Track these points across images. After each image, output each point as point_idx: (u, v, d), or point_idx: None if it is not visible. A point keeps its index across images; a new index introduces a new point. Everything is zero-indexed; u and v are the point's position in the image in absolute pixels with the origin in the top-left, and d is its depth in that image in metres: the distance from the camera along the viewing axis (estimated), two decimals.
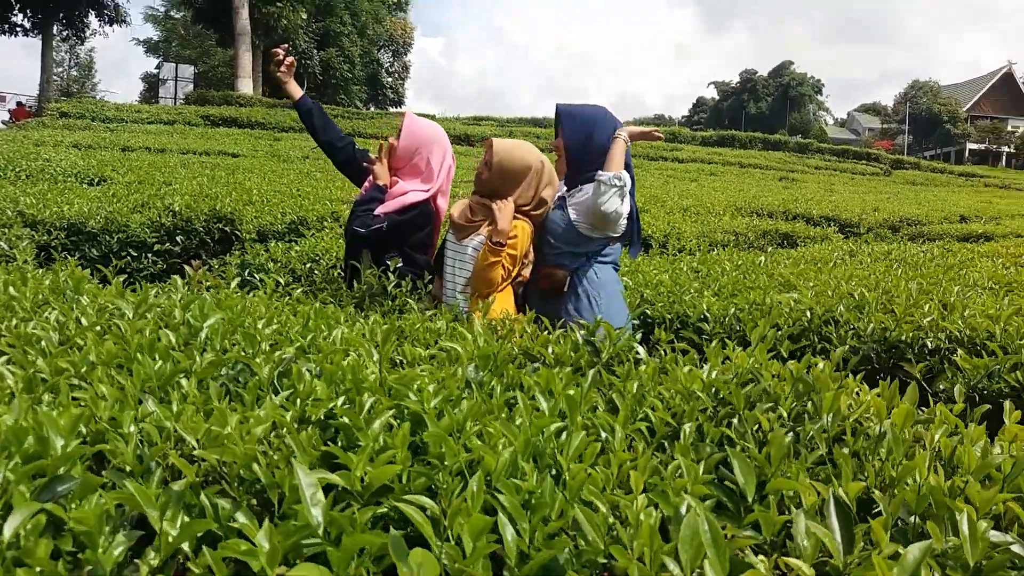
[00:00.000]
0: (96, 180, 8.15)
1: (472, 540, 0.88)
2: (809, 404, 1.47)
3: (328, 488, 1.12)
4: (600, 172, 2.99)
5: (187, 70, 39.40)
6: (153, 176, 8.28)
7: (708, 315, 2.92)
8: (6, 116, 33.34)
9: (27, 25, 33.81)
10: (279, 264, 4.32)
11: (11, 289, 2.12)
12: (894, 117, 73.14)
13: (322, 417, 1.31)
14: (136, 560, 0.97)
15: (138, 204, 5.74)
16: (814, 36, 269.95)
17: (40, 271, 2.68)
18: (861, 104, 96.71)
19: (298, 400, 1.39)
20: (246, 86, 30.93)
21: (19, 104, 35.25)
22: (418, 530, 1.08)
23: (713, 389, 1.49)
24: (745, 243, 7.35)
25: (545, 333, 2.03)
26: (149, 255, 5.16)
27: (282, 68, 3.50)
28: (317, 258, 4.49)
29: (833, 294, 3.10)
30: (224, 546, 0.94)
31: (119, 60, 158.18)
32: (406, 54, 56.41)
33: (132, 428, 1.23)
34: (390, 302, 2.74)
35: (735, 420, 1.32)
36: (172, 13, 53.08)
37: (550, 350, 1.86)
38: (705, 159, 25.85)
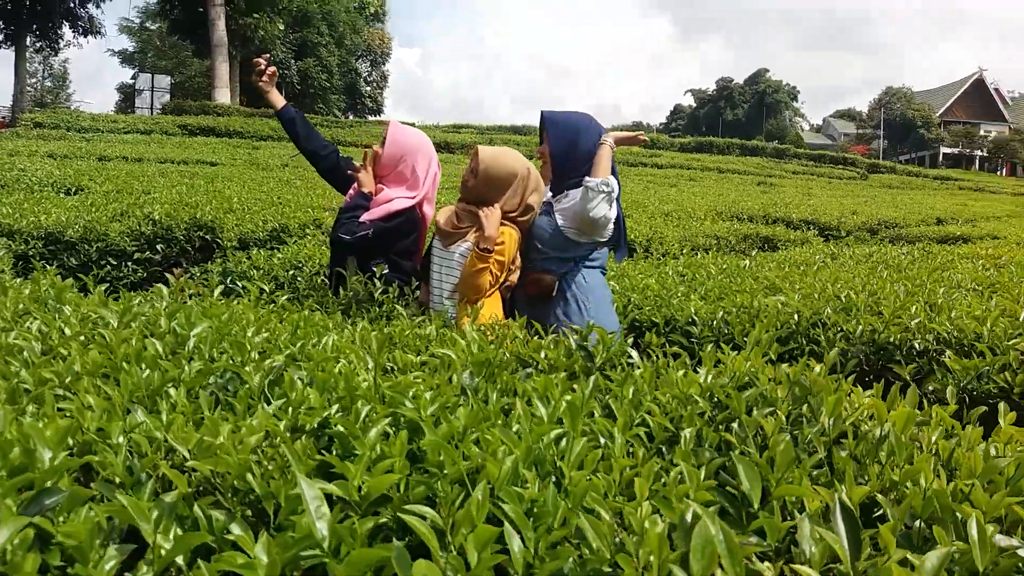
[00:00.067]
0: (73, 189, 8.06)
1: (477, 551, 0.86)
2: (805, 407, 1.46)
3: (329, 499, 1.09)
4: (587, 178, 2.98)
5: (163, 80, 39.11)
6: (131, 185, 8.21)
7: (696, 318, 2.92)
8: None
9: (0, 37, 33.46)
10: (262, 272, 4.28)
11: None
12: (869, 123, 73.90)
13: (316, 426, 1.29)
14: (127, 574, 0.94)
15: (117, 213, 5.68)
16: (789, 44, 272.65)
17: (19, 281, 2.64)
18: (836, 110, 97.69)
19: (290, 409, 1.36)
20: (223, 96, 30.75)
21: None
22: (417, 539, 1.06)
23: (710, 393, 1.47)
24: (727, 247, 7.38)
25: (536, 338, 2.01)
26: (129, 264, 5.11)
27: (264, 78, 3.47)
28: (300, 265, 4.46)
29: (819, 297, 3.11)
30: (220, 559, 0.91)
31: (93, 71, 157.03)
32: (384, 64, 56.35)
33: (121, 439, 1.20)
34: (377, 309, 2.72)
35: (735, 425, 1.31)
36: (147, 24, 52.69)
37: (543, 355, 1.84)
38: (684, 165, 25.99)
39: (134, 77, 46.86)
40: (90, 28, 35.71)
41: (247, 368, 1.53)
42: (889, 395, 1.29)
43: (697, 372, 1.69)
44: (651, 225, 7.43)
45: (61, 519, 0.99)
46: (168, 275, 2.76)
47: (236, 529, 1.00)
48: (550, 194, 3.30)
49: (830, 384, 1.39)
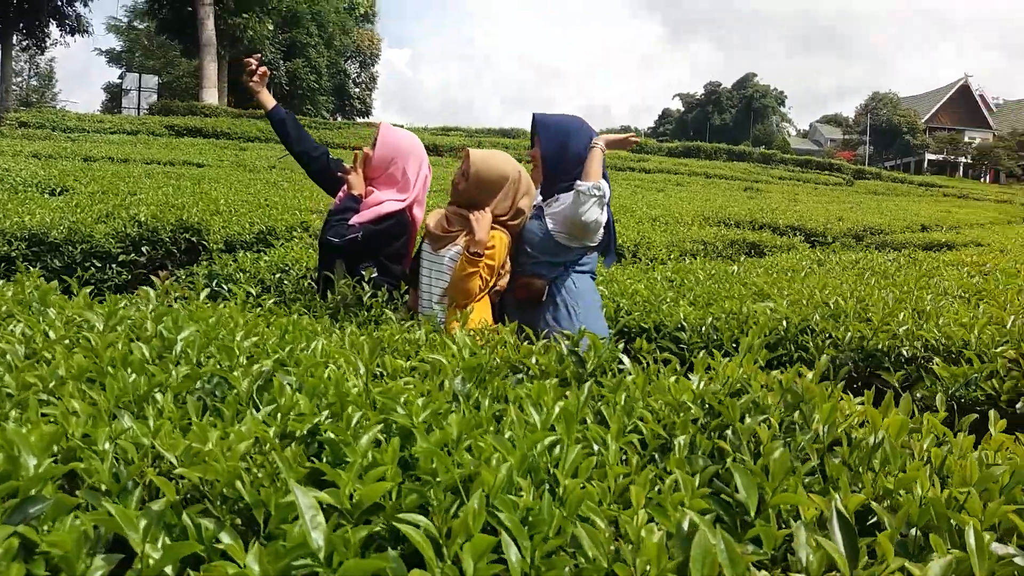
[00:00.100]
0: (58, 190, 7.99)
1: (474, 561, 0.85)
2: (797, 414, 1.46)
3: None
4: (579, 182, 2.97)
5: (151, 80, 38.82)
6: (117, 186, 8.14)
7: (685, 324, 2.92)
8: None
9: None
10: (248, 274, 4.25)
11: None
12: (855, 128, 74.32)
13: (306, 432, 1.27)
14: None
15: (102, 214, 5.63)
16: (777, 49, 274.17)
17: (1, 283, 2.60)
18: (823, 115, 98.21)
19: (279, 415, 1.35)
20: (211, 96, 30.61)
21: None
22: (410, 548, 1.04)
23: (702, 400, 1.47)
24: (714, 252, 7.39)
25: (526, 344, 2.00)
26: (114, 266, 5.05)
27: (254, 77, 3.45)
28: (287, 268, 4.43)
29: (807, 303, 3.11)
30: (210, 569, 0.89)
31: (80, 70, 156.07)
32: (373, 65, 56.23)
33: (107, 445, 1.18)
34: (365, 313, 2.70)
35: (728, 432, 1.30)
36: (135, 23, 52.35)
37: (534, 360, 1.83)
38: (671, 170, 26.07)
39: (121, 77, 46.52)
40: (77, 27, 35.43)
41: (235, 373, 1.51)
42: (883, 403, 1.28)
43: (688, 378, 1.69)
44: (639, 230, 7.44)
45: (46, 528, 0.97)
46: (153, 277, 2.72)
47: (226, 538, 0.99)
48: (540, 198, 3.29)
49: (823, 391, 1.38)
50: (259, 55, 3.78)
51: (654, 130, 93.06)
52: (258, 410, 1.41)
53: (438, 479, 1.08)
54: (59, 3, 34.43)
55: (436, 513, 1.03)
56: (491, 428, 1.32)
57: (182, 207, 6.10)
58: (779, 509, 1.12)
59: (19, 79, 61.11)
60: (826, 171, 35.57)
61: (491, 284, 3.03)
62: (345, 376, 1.54)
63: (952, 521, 1.03)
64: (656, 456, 1.34)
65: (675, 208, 10.95)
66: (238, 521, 1.07)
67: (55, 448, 1.16)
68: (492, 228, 3.01)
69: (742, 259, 5.86)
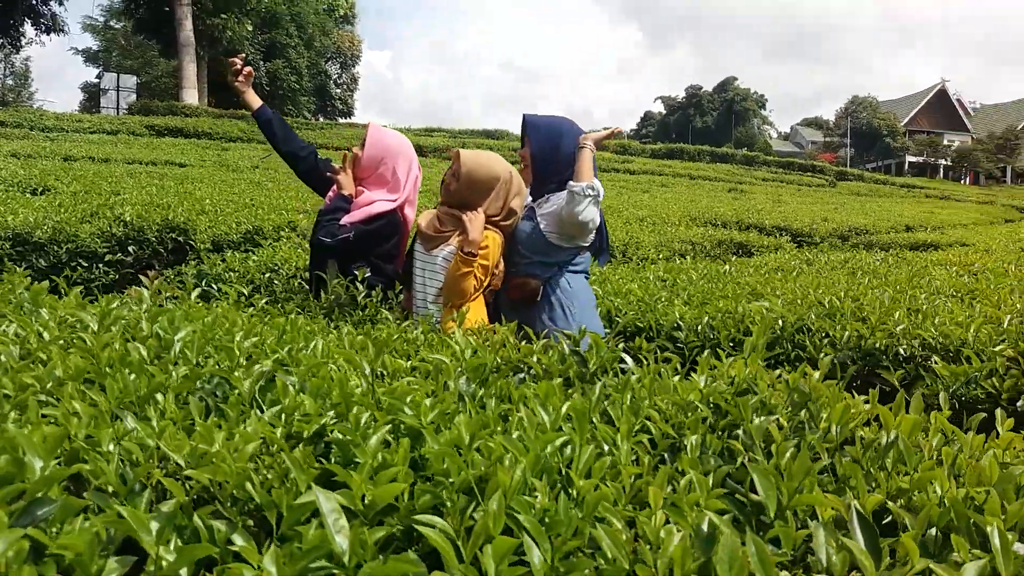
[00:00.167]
0: (40, 189, 7.90)
1: (495, 563, 0.83)
2: (804, 413, 1.45)
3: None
4: (572, 183, 2.96)
5: (129, 80, 38.50)
6: (99, 186, 8.06)
7: (681, 323, 2.91)
8: None
9: None
10: (237, 274, 4.21)
11: None
12: (836, 131, 74.85)
13: (312, 433, 1.25)
14: None
15: (87, 214, 5.57)
16: (756, 54, 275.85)
17: None
18: (804, 118, 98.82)
19: (283, 415, 1.33)
20: (191, 97, 30.40)
21: None
22: (423, 549, 1.03)
23: (709, 400, 1.46)
24: (702, 252, 7.41)
25: (527, 344, 1.99)
26: (100, 265, 5.00)
27: (239, 78, 3.41)
28: (276, 268, 4.40)
29: (802, 303, 3.12)
30: (227, 571, 0.88)
31: (56, 69, 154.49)
32: (354, 66, 56.06)
33: (111, 447, 1.16)
34: (360, 312, 2.67)
35: (739, 432, 1.29)
36: (112, 23, 51.91)
37: (536, 360, 1.81)
38: (656, 171, 26.15)
39: (99, 76, 46.10)
40: (53, 26, 34.94)
41: (236, 373, 1.49)
42: (895, 402, 1.28)
43: (691, 378, 1.68)
44: (627, 230, 7.44)
45: (54, 530, 0.95)
46: (142, 277, 2.69)
47: (239, 540, 0.97)
48: (530, 199, 3.28)
49: (833, 390, 1.38)
50: (243, 55, 3.74)
51: (637, 132, 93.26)
52: (261, 411, 1.39)
53: (451, 480, 1.07)
54: (34, 2, 33.98)
55: (450, 514, 1.02)
56: (498, 428, 1.31)
57: (167, 207, 6.05)
58: (795, 510, 1.12)
59: None
60: (809, 172, 35.82)
61: (485, 284, 3.01)
62: (347, 376, 1.52)
63: (971, 521, 1.02)
64: (665, 456, 1.33)
65: (661, 209, 10.98)
66: (250, 522, 1.05)
67: (58, 450, 1.13)
68: (485, 228, 3.00)
69: (732, 259, 5.87)
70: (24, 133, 18.87)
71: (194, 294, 2.48)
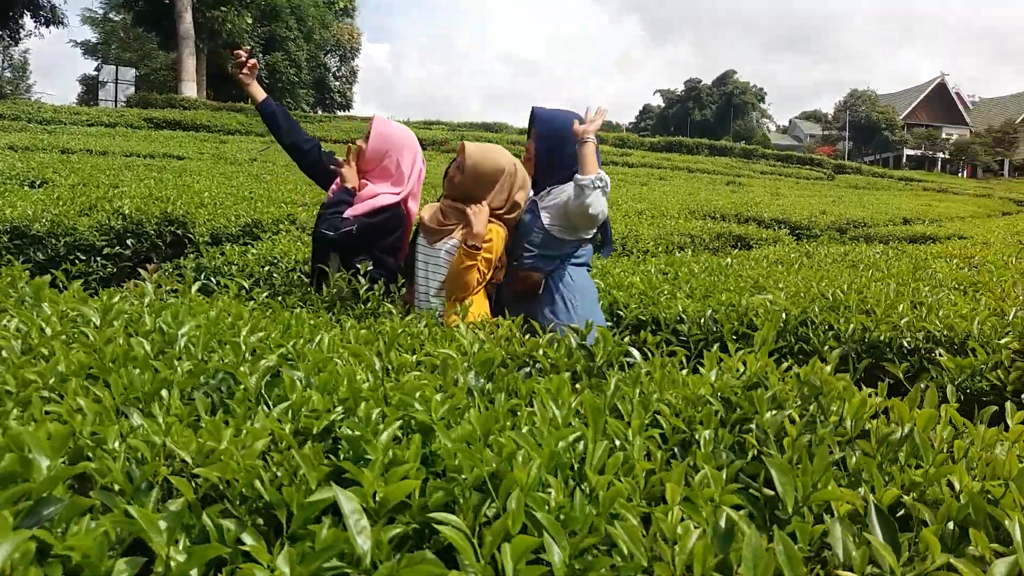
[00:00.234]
0: (37, 182, 7.87)
1: (513, 562, 0.82)
2: (813, 407, 1.44)
3: (335, 507, 1.05)
4: (578, 176, 2.94)
5: (128, 73, 38.31)
6: (97, 178, 8.03)
7: (684, 316, 2.90)
8: None
9: None
10: (237, 267, 4.19)
11: None
12: (835, 124, 74.75)
13: (322, 429, 1.24)
14: None
15: (85, 207, 5.55)
16: (755, 48, 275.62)
17: None
18: (802, 111, 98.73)
19: (290, 411, 1.31)
20: (190, 90, 30.31)
21: None
22: (435, 546, 1.02)
23: (720, 394, 1.45)
24: (701, 245, 7.40)
25: (534, 338, 1.97)
26: (98, 259, 4.98)
27: (244, 70, 3.38)
28: (275, 261, 4.37)
29: (805, 295, 3.10)
30: (239, 572, 0.86)
31: (54, 62, 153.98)
32: (353, 59, 55.87)
33: (117, 444, 1.14)
34: (362, 306, 2.66)
35: (752, 426, 1.28)
36: (111, 15, 51.67)
37: (542, 354, 1.80)
38: (654, 164, 26.11)
39: (98, 69, 45.82)
40: (52, 18, 34.80)
41: (242, 368, 1.47)
42: (909, 395, 1.27)
43: (698, 371, 1.67)
44: (626, 223, 7.43)
45: (59, 530, 0.93)
46: (142, 270, 2.67)
47: (248, 539, 0.96)
48: (531, 192, 3.27)
49: (848, 384, 1.36)
50: (248, 47, 3.71)
51: (635, 125, 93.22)
52: (268, 407, 1.38)
53: (464, 477, 1.06)
54: None
55: (463, 511, 1.01)
56: (507, 424, 1.29)
57: (166, 200, 6.02)
58: (810, 504, 1.11)
59: None
60: (807, 166, 35.77)
61: (488, 277, 3.00)
62: (355, 371, 1.50)
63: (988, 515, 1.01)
64: (676, 451, 1.32)
65: (660, 202, 10.96)
66: (259, 521, 1.03)
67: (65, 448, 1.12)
68: (489, 221, 2.98)
69: (733, 252, 5.86)
70: (22, 125, 18.82)
71: (194, 288, 2.46)
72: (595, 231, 3.26)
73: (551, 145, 3.17)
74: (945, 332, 2.48)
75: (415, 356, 1.80)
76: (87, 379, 1.48)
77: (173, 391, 1.38)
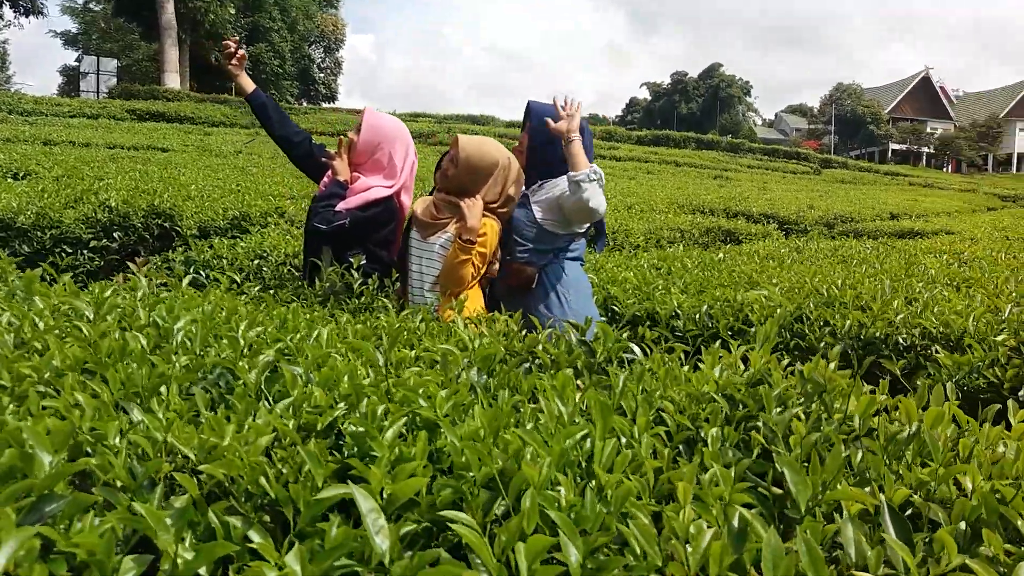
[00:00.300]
0: (20, 174, 7.78)
1: (528, 562, 0.81)
2: (816, 404, 1.43)
3: (341, 504, 1.03)
4: (572, 173, 2.93)
5: (109, 63, 37.95)
6: (81, 171, 7.95)
7: (679, 312, 2.90)
8: None
9: None
10: (226, 261, 4.16)
11: None
12: (820, 118, 74.99)
13: (325, 426, 1.22)
14: None
15: (71, 199, 5.48)
16: (742, 40, 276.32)
17: None
18: (788, 105, 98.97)
19: (291, 407, 1.30)
20: (173, 81, 30.08)
21: None
22: (444, 544, 1.00)
23: (725, 391, 1.44)
24: (690, 240, 7.41)
25: (532, 333, 1.96)
26: (85, 252, 4.93)
27: (233, 61, 3.35)
28: (265, 255, 4.35)
29: (800, 291, 3.11)
30: (248, 570, 0.85)
31: (34, 52, 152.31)
32: (338, 50, 55.56)
33: (117, 440, 1.12)
34: (356, 301, 2.64)
35: (758, 423, 1.27)
36: (91, 5, 51.13)
37: (541, 348, 1.79)
38: (642, 158, 26.14)
39: (78, 59, 45.38)
40: (32, 7, 34.37)
41: (241, 363, 1.46)
42: (918, 393, 1.26)
43: (697, 368, 1.66)
44: (615, 217, 7.43)
45: (62, 527, 0.92)
46: (130, 264, 2.64)
47: (255, 536, 0.95)
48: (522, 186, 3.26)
49: (858, 384, 1.36)
50: (237, 38, 3.67)
51: (622, 119, 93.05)
52: (268, 402, 1.36)
53: (472, 474, 1.04)
54: None
55: (472, 509, 1.00)
56: (511, 420, 1.28)
57: (153, 192, 5.97)
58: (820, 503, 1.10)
59: None
60: (794, 160, 35.94)
61: (483, 271, 2.99)
62: (355, 366, 1.49)
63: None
64: (681, 448, 1.31)
65: (648, 196, 10.97)
66: (266, 518, 1.02)
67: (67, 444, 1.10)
68: (483, 215, 2.96)
69: (725, 247, 5.87)
70: (3, 117, 18.60)
71: (185, 281, 2.44)
72: (588, 225, 3.25)
73: (545, 140, 3.15)
74: (941, 329, 2.49)
75: (413, 352, 1.79)
76: (83, 374, 1.46)
77: (172, 386, 1.37)
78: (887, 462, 1.21)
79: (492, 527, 0.99)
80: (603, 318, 3.23)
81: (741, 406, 1.40)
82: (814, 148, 53.14)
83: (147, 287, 2.10)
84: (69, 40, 54.99)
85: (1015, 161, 68.28)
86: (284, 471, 1.07)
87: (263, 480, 1.03)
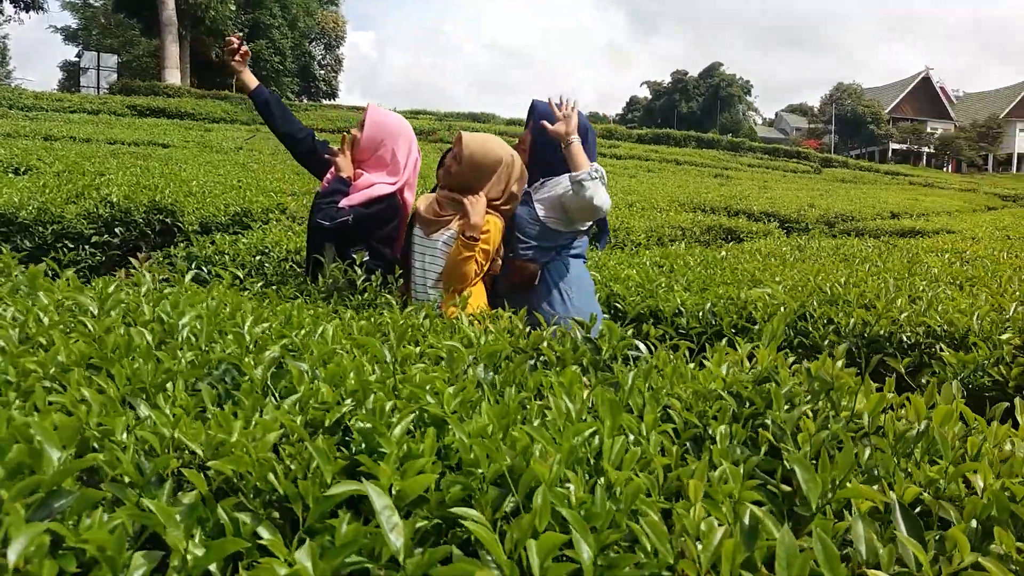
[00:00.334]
0: (22, 169, 7.78)
1: (540, 559, 0.81)
2: (823, 402, 1.43)
3: (349, 501, 1.03)
4: (573, 174, 2.93)
5: (110, 59, 37.88)
6: (82, 166, 7.94)
7: (683, 310, 2.89)
8: None
9: None
10: (228, 257, 4.15)
11: None
12: (820, 118, 74.92)
13: (333, 422, 1.22)
14: None
15: (72, 195, 5.48)
16: (742, 40, 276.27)
17: None
18: (788, 105, 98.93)
19: (298, 404, 1.29)
20: (173, 77, 30.06)
21: None
22: (454, 540, 1.00)
23: (731, 388, 1.44)
24: (692, 238, 7.39)
25: (536, 330, 1.96)
26: (87, 247, 4.92)
27: (236, 57, 3.34)
28: (267, 251, 4.34)
29: (803, 289, 3.10)
30: (259, 566, 0.84)
31: (34, 47, 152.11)
32: (338, 47, 55.54)
33: (125, 436, 1.12)
34: (360, 297, 2.63)
35: (767, 420, 1.27)
36: (91, 1, 51.06)
37: (546, 345, 1.79)
38: (642, 156, 26.11)
39: (79, 55, 45.32)
40: (32, 3, 34.34)
41: (247, 359, 1.45)
42: (927, 391, 1.26)
43: (703, 366, 1.66)
44: (617, 215, 7.42)
45: (71, 523, 0.91)
46: (132, 259, 2.63)
47: (265, 533, 0.94)
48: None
49: (868, 383, 1.36)
50: (240, 34, 3.66)
51: (622, 117, 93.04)
52: (275, 398, 1.36)
53: (479, 471, 1.04)
54: None
55: (481, 506, 0.99)
56: (518, 417, 1.28)
57: (154, 188, 5.97)
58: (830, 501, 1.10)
59: None
60: (794, 159, 35.89)
61: (486, 269, 2.98)
62: (361, 363, 1.49)
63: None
64: (689, 446, 1.31)
65: (649, 194, 10.95)
66: (275, 515, 1.02)
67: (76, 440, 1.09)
68: (486, 212, 2.96)
69: (729, 245, 5.87)
70: (3, 112, 18.57)
71: (188, 277, 2.43)
72: (591, 223, 3.25)
73: (547, 139, 3.15)
74: (945, 327, 2.48)
75: (418, 348, 1.79)
76: (88, 369, 1.46)
77: (178, 382, 1.36)
78: (896, 460, 1.21)
79: (501, 524, 0.98)
80: (606, 315, 3.22)
81: (748, 403, 1.40)
82: (814, 147, 53.10)
83: (151, 282, 2.09)
84: (69, 35, 54.91)
85: (1015, 161, 68.28)
86: (292, 467, 1.06)
87: (271, 476, 1.03)
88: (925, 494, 1.08)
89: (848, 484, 1.06)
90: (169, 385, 1.36)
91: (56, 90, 35.73)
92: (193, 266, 3.91)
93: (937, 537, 0.96)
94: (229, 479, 1.06)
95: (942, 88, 76.69)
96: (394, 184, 3.18)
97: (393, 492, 0.99)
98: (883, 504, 1.04)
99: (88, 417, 1.17)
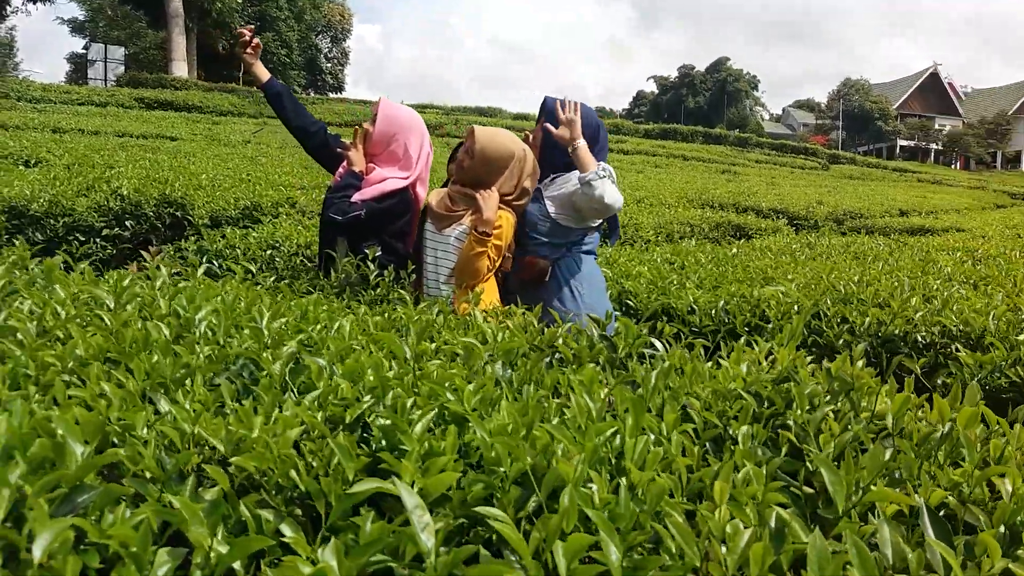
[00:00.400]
0: (32, 161, 7.79)
1: (567, 561, 0.80)
2: (843, 402, 1.42)
3: (370, 499, 1.03)
4: (581, 175, 2.92)
5: (117, 51, 37.94)
6: (92, 159, 7.96)
7: (695, 307, 2.88)
8: None
9: None
10: (239, 251, 4.15)
11: None
12: (828, 113, 74.63)
13: (353, 419, 1.21)
14: None
15: (83, 187, 5.49)
16: (743, 35, 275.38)
17: None
18: (796, 100, 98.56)
19: (317, 399, 1.29)
20: (180, 69, 30.05)
21: None
22: (476, 540, 1.00)
23: (752, 388, 1.43)
24: (700, 234, 7.37)
25: (551, 327, 1.95)
26: (98, 240, 4.93)
27: (248, 49, 3.33)
28: (277, 245, 4.34)
29: (816, 287, 3.09)
30: (283, 565, 0.84)
31: (41, 39, 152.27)
32: (345, 40, 55.52)
33: (145, 431, 1.12)
34: (372, 292, 2.63)
35: (789, 421, 1.26)
36: None
37: (562, 343, 1.78)
38: (650, 151, 26.05)
39: (86, 47, 45.36)
40: None
41: (265, 355, 1.45)
42: (951, 392, 1.25)
43: (719, 364, 1.65)
44: (626, 211, 7.41)
45: (93, 518, 0.91)
46: (144, 253, 2.63)
47: (287, 530, 0.94)
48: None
49: (892, 384, 1.35)
50: (252, 26, 3.65)
51: (629, 112, 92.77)
52: (294, 394, 1.36)
53: (501, 469, 1.04)
54: None
55: (503, 505, 0.99)
56: (537, 416, 1.27)
57: (164, 181, 5.97)
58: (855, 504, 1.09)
59: None
60: (802, 155, 35.78)
61: (498, 264, 2.98)
62: (379, 359, 1.48)
63: None
64: (709, 446, 1.30)
65: (657, 190, 10.93)
66: (297, 512, 1.01)
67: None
68: (498, 207, 2.95)
69: (735, 242, 5.85)
70: (11, 104, 18.60)
71: (200, 271, 2.43)
72: (601, 220, 3.24)
73: (554, 142, 3.13)
74: (961, 327, 2.47)
75: (434, 344, 1.78)
76: (106, 363, 1.46)
77: (196, 377, 1.36)
78: (919, 463, 1.20)
79: (524, 524, 0.98)
80: (617, 312, 3.22)
81: (768, 403, 1.39)
82: (822, 143, 52.90)
83: (166, 276, 2.09)
84: (76, 27, 54.86)
85: None
86: (314, 464, 1.06)
87: (293, 473, 1.02)
88: (950, 498, 1.07)
89: (874, 487, 1.05)
90: (188, 380, 1.36)
91: (63, 82, 35.74)
92: (204, 260, 3.91)
93: (963, 542, 0.96)
94: (251, 476, 1.06)
95: (950, 84, 76.33)
96: (406, 178, 3.17)
97: (416, 490, 0.99)
98: (907, 508, 1.03)
99: (108, 412, 1.16)
